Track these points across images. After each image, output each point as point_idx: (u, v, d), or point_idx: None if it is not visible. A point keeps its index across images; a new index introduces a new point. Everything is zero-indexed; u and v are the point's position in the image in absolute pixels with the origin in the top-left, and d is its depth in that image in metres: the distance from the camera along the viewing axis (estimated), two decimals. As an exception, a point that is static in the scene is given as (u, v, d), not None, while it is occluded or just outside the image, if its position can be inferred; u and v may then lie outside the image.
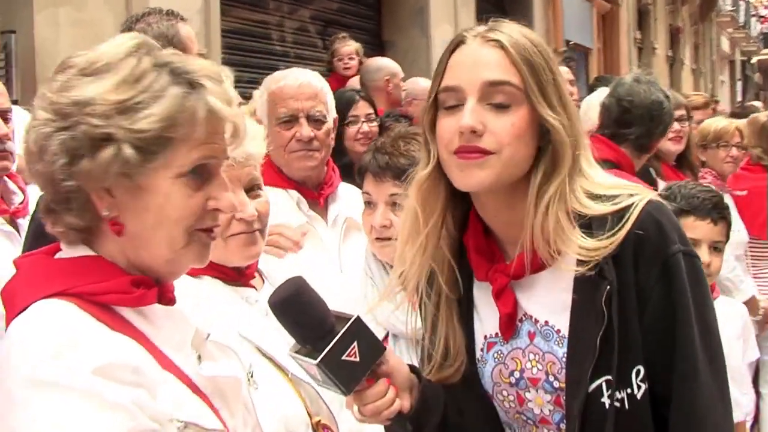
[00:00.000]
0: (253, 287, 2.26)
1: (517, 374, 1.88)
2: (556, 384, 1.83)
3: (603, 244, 1.74)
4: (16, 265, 1.60)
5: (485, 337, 1.93)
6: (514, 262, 1.82)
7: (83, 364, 1.40)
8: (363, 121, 4.63)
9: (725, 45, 34.54)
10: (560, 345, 1.82)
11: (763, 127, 5.72)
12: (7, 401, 1.41)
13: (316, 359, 1.69)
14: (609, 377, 1.75)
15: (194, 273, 1.91)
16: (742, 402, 3.60)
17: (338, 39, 7.30)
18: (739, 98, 33.76)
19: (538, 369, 1.85)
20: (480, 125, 1.74)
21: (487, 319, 1.93)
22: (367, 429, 2.05)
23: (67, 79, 1.52)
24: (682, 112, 5.04)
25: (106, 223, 1.54)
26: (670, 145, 5.00)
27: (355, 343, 1.71)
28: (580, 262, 1.75)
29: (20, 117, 2.97)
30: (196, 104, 1.53)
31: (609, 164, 3.89)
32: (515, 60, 1.75)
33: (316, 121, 3.23)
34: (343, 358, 1.70)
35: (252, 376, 1.97)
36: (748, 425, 3.88)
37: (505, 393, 1.91)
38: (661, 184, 4.47)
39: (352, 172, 3.10)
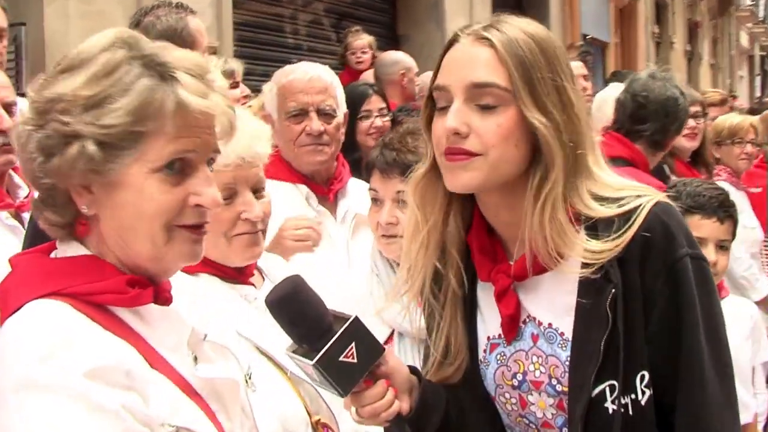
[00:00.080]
0: (252, 285, 2.24)
1: (519, 377, 1.86)
2: (559, 387, 1.80)
3: (608, 247, 1.71)
4: (11, 263, 1.58)
5: (488, 338, 1.91)
6: (515, 264, 1.80)
7: (75, 366, 1.38)
8: (376, 116, 4.59)
9: (744, 40, 34.29)
10: (564, 348, 1.79)
11: (777, 124, 5.68)
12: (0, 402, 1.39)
13: (312, 359, 1.66)
14: (613, 382, 1.72)
15: (191, 270, 1.89)
16: (749, 404, 3.56)
17: (351, 32, 7.30)
18: (757, 93, 33.56)
19: (541, 372, 1.82)
20: (464, 127, 1.71)
21: (490, 320, 1.90)
22: (369, 429, 2.03)
23: (47, 77, 1.51)
24: (697, 108, 4.98)
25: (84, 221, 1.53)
26: (684, 142, 4.94)
27: (353, 344, 1.68)
28: (584, 265, 1.72)
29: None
30: (164, 96, 1.48)
31: (623, 161, 3.85)
32: (504, 59, 1.72)
33: (326, 115, 3.21)
34: (341, 359, 1.67)
35: (250, 378, 1.95)
36: (760, 426, 3.83)
37: (507, 395, 1.88)
38: (676, 182, 4.42)
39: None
